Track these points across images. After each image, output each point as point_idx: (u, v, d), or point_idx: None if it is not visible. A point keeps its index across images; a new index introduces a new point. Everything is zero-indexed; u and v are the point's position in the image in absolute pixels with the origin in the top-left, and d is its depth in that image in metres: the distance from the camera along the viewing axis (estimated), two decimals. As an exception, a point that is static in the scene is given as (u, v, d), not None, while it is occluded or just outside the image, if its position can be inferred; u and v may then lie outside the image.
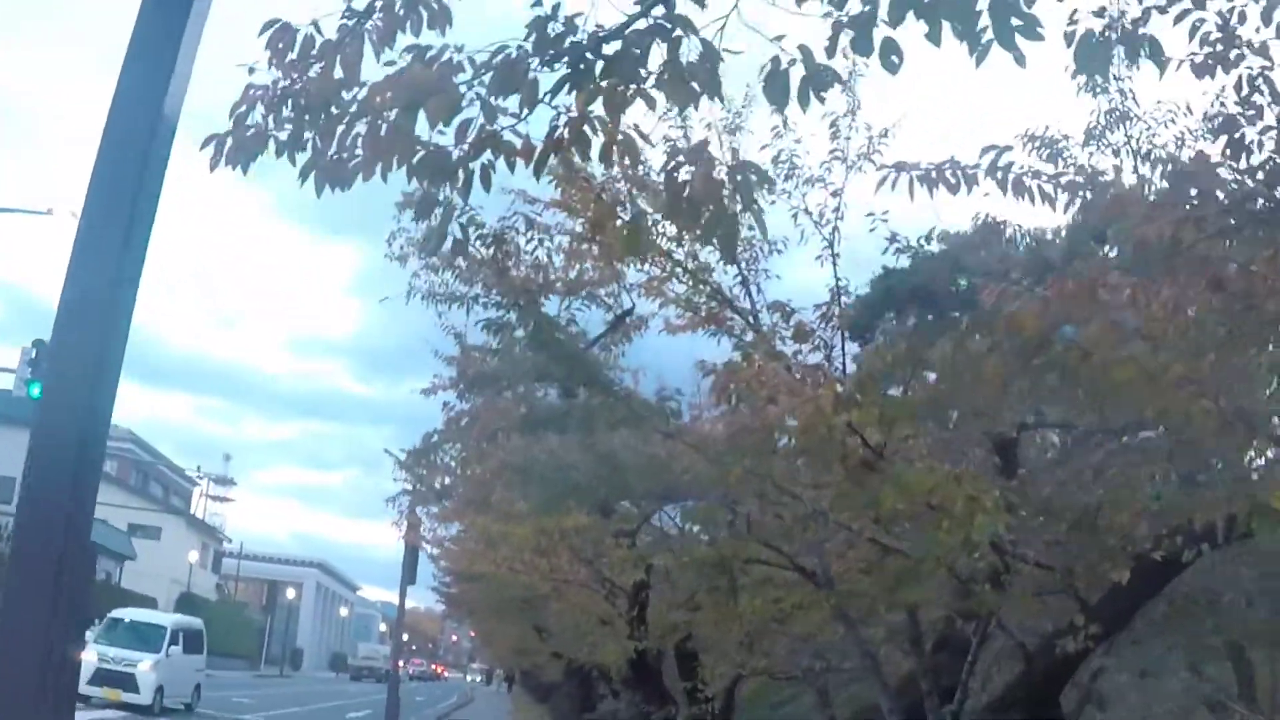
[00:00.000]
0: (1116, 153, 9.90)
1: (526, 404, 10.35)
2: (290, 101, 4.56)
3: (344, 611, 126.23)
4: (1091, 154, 9.80)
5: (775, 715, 22.83)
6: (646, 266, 10.76)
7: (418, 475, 15.86)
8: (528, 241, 9.73)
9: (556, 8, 4.24)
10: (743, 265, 9.96)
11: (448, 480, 18.81)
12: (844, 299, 9.09)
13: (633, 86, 4.13)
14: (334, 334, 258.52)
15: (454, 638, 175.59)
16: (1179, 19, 5.87)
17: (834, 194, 9.45)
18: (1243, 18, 6.08)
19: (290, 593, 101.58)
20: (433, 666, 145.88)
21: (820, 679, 22.10)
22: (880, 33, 4.01)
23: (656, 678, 19.57)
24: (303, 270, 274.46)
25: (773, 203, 9.70)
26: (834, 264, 9.36)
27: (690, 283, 10.22)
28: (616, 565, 14.10)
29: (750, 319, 9.93)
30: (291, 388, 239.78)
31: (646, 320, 11.77)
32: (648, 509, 13.70)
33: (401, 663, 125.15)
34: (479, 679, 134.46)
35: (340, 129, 4.52)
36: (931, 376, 8.51)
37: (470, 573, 21.79)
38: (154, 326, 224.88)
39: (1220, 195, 5.92)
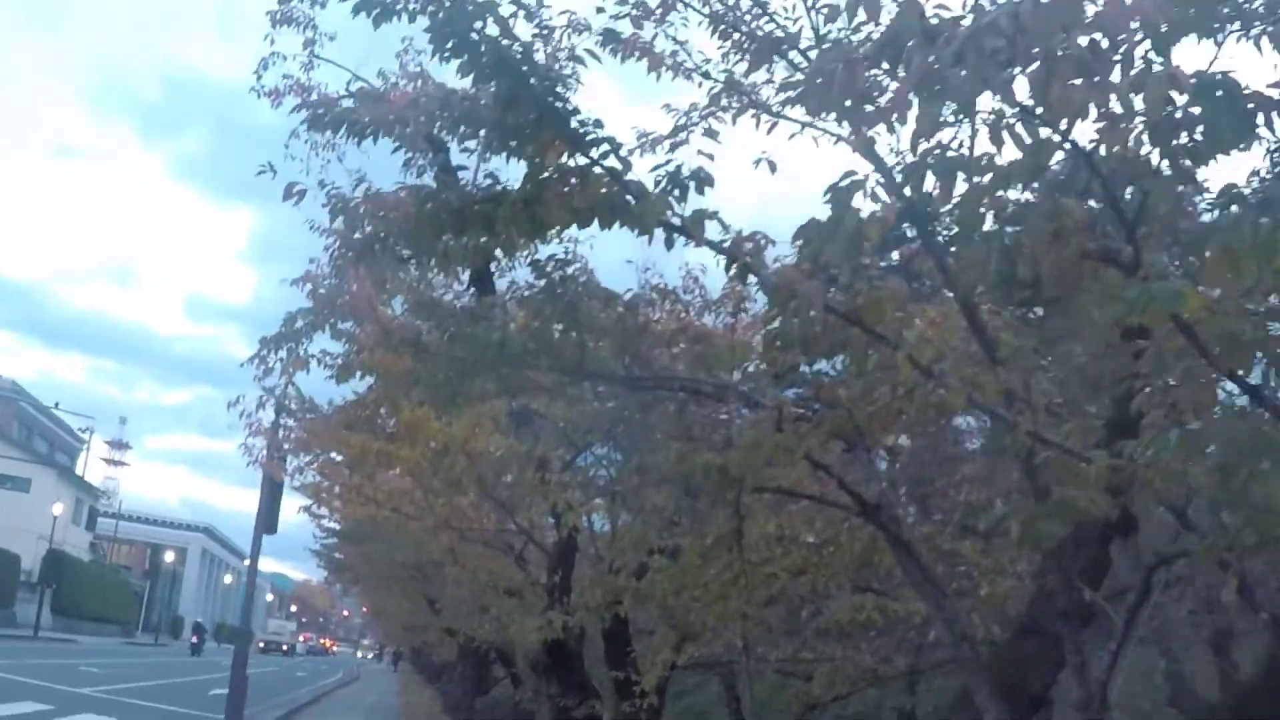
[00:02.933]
0: None
1: (432, 196, 6.01)
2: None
3: (229, 579, 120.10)
4: None
5: (677, 707, 20.11)
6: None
7: (268, 368, 11.41)
8: None
9: None
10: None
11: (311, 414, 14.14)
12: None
13: None
14: (230, 299, 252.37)
15: (345, 613, 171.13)
16: None
17: None
18: None
19: (169, 556, 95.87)
20: (322, 641, 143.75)
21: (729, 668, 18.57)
22: None
23: (578, 665, 15.37)
24: (199, 233, 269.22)
25: None
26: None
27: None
28: (552, 494, 9.90)
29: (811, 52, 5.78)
30: (186, 352, 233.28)
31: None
32: (609, 412, 9.47)
33: (303, 636, 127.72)
34: (370, 655, 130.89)
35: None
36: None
37: (347, 517, 16.79)
38: (50, 284, 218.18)
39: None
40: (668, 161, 5.33)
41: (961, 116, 3.64)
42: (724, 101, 6.74)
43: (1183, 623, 10.16)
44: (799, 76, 5.59)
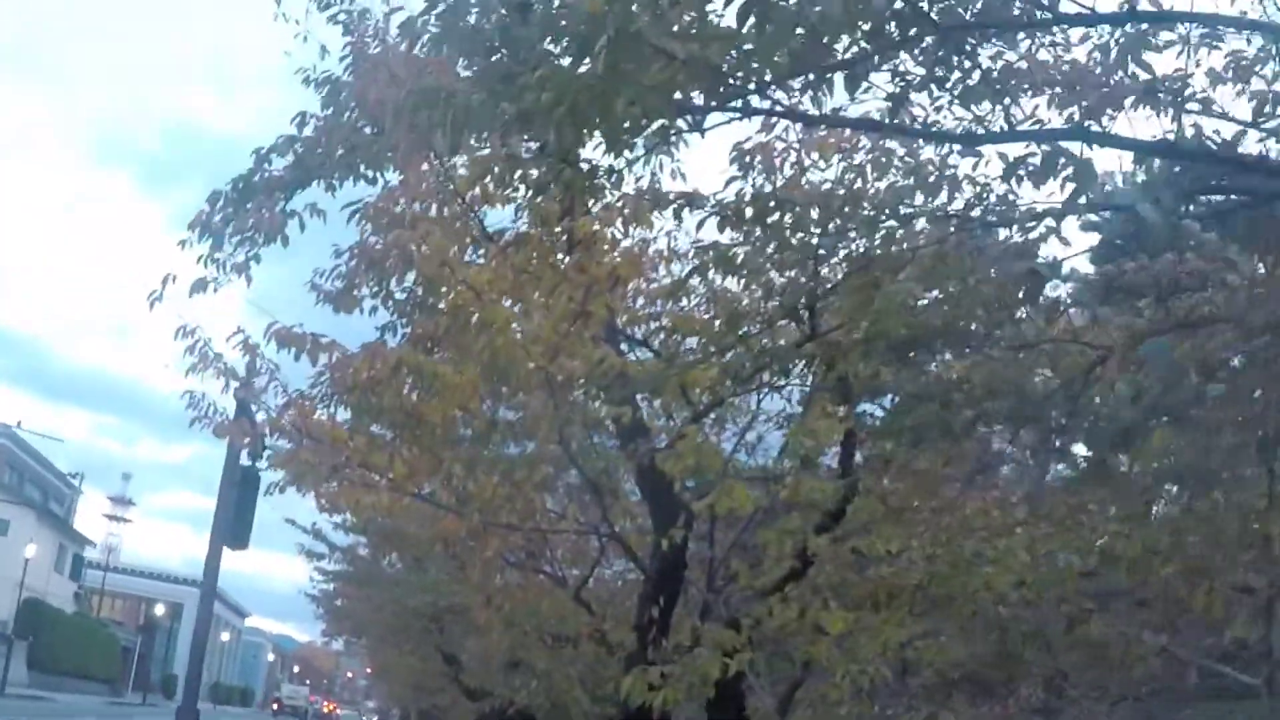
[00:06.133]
0: None
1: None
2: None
3: (225, 636, 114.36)
4: None
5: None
6: None
7: (214, 231, 6.44)
8: None
9: None
10: None
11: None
12: None
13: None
14: (230, 356, 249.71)
15: (349, 674, 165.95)
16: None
17: None
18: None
19: (160, 609, 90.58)
20: (325, 704, 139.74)
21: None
22: None
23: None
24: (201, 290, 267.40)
25: None
26: None
27: None
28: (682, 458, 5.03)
29: None
30: (187, 409, 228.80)
31: None
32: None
33: (310, 698, 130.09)
34: (375, 718, 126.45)
35: None
36: None
37: (350, 508, 11.49)
38: (52, 340, 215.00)
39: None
40: None
41: None
42: None
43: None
44: None
